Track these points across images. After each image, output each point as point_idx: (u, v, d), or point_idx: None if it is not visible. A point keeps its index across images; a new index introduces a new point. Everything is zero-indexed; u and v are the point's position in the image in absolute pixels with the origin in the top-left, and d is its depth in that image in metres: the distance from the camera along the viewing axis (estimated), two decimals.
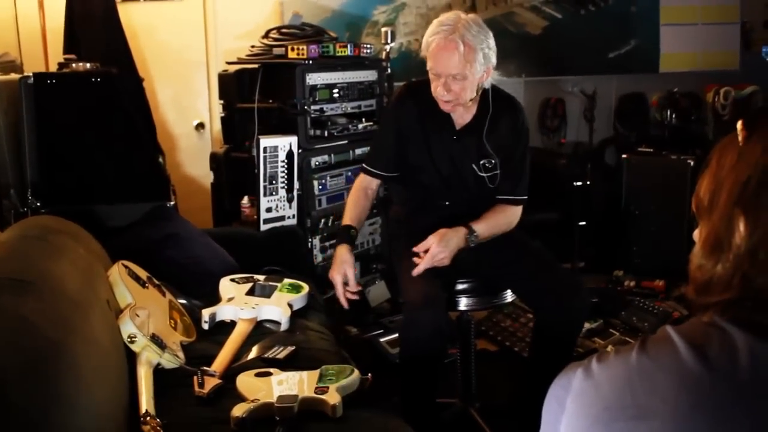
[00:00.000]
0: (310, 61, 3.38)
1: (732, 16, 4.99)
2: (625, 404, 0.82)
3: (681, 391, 0.80)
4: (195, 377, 1.99)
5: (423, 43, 2.42)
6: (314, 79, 3.43)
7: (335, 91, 3.54)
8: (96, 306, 1.92)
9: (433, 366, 2.47)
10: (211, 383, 1.96)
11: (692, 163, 4.33)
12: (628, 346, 0.88)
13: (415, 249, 2.44)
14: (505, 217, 2.59)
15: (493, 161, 2.57)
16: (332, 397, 1.83)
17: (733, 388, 0.79)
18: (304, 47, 3.36)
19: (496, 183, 2.59)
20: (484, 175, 2.58)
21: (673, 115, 4.84)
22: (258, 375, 1.99)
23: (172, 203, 3.18)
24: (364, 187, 2.70)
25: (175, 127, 4.35)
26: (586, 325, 3.63)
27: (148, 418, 1.66)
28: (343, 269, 2.47)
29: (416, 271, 2.40)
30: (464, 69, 2.37)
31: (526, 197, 2.63)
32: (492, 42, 2.42)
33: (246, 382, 1.96)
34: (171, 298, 2.41)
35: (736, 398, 0.78)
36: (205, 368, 2.03)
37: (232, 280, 2.67)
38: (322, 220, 3.53)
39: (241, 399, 1.86)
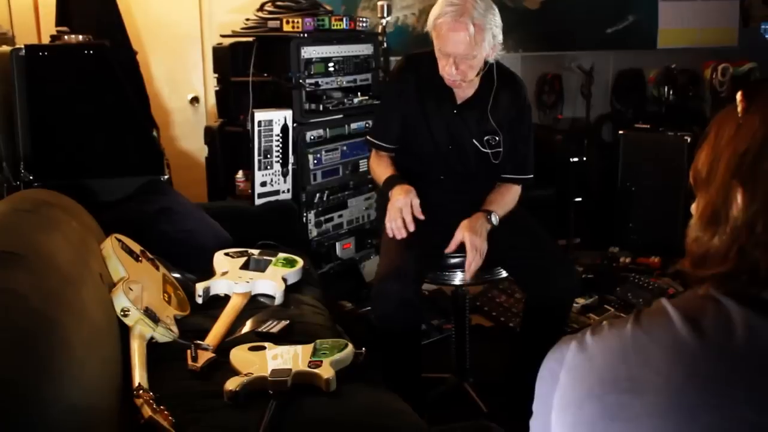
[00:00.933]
0: (305, 35, 3.35)
1: None
2: (618, 377, 0.82)
3: (675, 363, 0.79)
4: (188, 351, 1.98)
5: (430, 21, 2.38)
6: (309, 52, 3.40)
7: (330, 64, 3.51)
8: (89, 279, 1.91)
9: (409, 340, 2.47)
10: (204, 357, 1.96)
11: (689, 139, 4.32)
12: (623, 318, 0.87)
13: (447, 251, 2.44)
14: (512, 196, 2.61)
15: (497, 138, 2.56)
16: (326, 371, 1.83)
17: (728, 361, 0.78)
18: (299, 20, 3.33)
19: (500, 159, 2.58)
20: (488, 151, 2.57)
21: (671, 92, 4.82)
22: (252, 349, 1.99)
23: (166, 177, 3.16)
24: (382, 155, 2.69)
25: (169, 101, 4.31)
26: (581, 301, 3.65)
27: (141, 392, 1.66)
28: (410, 196, 2.42)
29: (469, 273, 2.41)
30: (473, 49, 2.35)
31: (532, 176, 2.64)
32: (498, 19, 2.39)
33: (239, 356, 1.95)
34: (165, 272, 2.41)
35: (731, 371, 0.77)
36: (198, 342, 2.03)
37: (226, 254, 2.67)
38: (317, 195, 3.52)
39: (235, 373, 1.86)
